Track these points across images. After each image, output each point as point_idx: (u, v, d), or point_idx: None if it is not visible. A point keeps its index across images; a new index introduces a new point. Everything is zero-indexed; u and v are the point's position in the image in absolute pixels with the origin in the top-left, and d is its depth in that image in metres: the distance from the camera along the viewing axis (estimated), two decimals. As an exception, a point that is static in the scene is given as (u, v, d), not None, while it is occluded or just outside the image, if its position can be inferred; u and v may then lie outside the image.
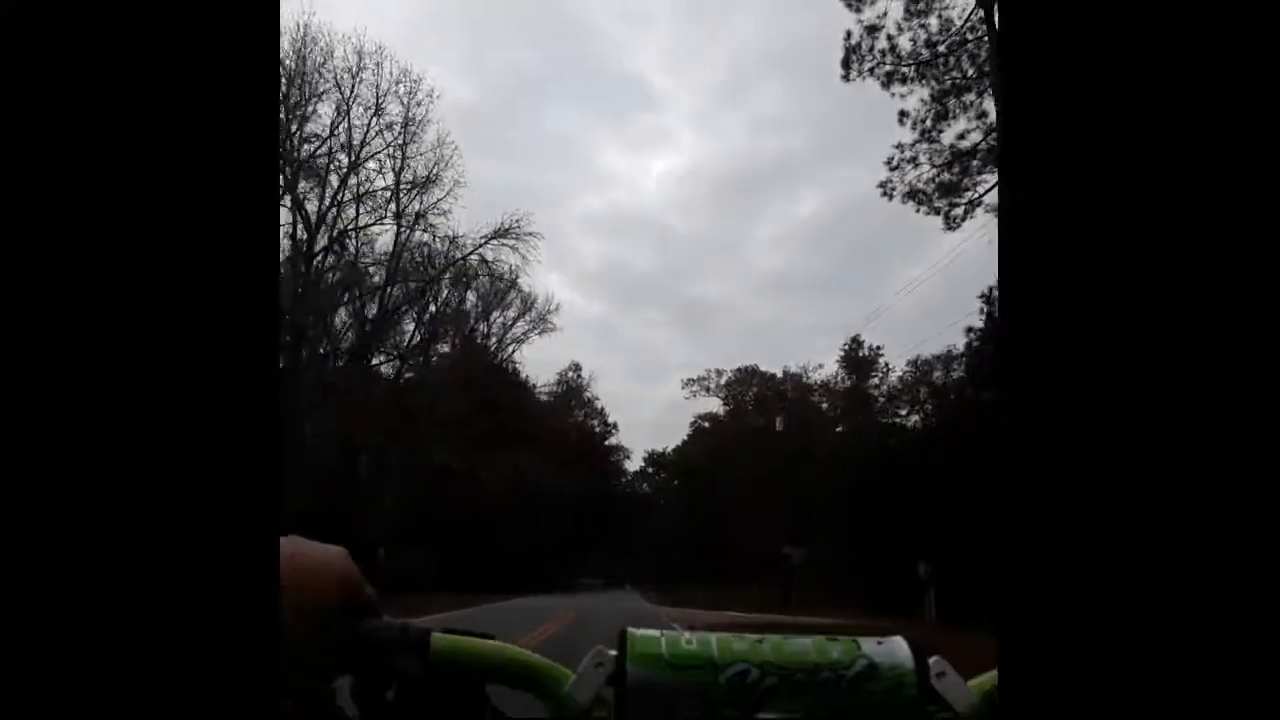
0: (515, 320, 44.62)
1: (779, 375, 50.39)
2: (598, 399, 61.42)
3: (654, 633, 0.51)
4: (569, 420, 55.69)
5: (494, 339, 44.25)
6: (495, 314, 43.68)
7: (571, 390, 56.61)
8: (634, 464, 70.10)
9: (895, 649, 0.51)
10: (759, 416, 48.28)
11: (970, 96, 19.50)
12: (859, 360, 41.40)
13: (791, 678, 0.49)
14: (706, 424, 58.06)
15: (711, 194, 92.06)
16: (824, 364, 45.90)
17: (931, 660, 0.50)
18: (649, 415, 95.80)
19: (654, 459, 70.69)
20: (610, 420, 63.37)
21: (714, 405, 57.22)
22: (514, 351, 45.88)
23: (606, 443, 63.33)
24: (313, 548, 0.49)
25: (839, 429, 39.33)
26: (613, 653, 0.50)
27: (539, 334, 45.64)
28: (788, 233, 79.78)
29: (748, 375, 52.58)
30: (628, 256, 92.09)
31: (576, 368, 57.36)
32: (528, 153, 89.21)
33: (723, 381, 54.16)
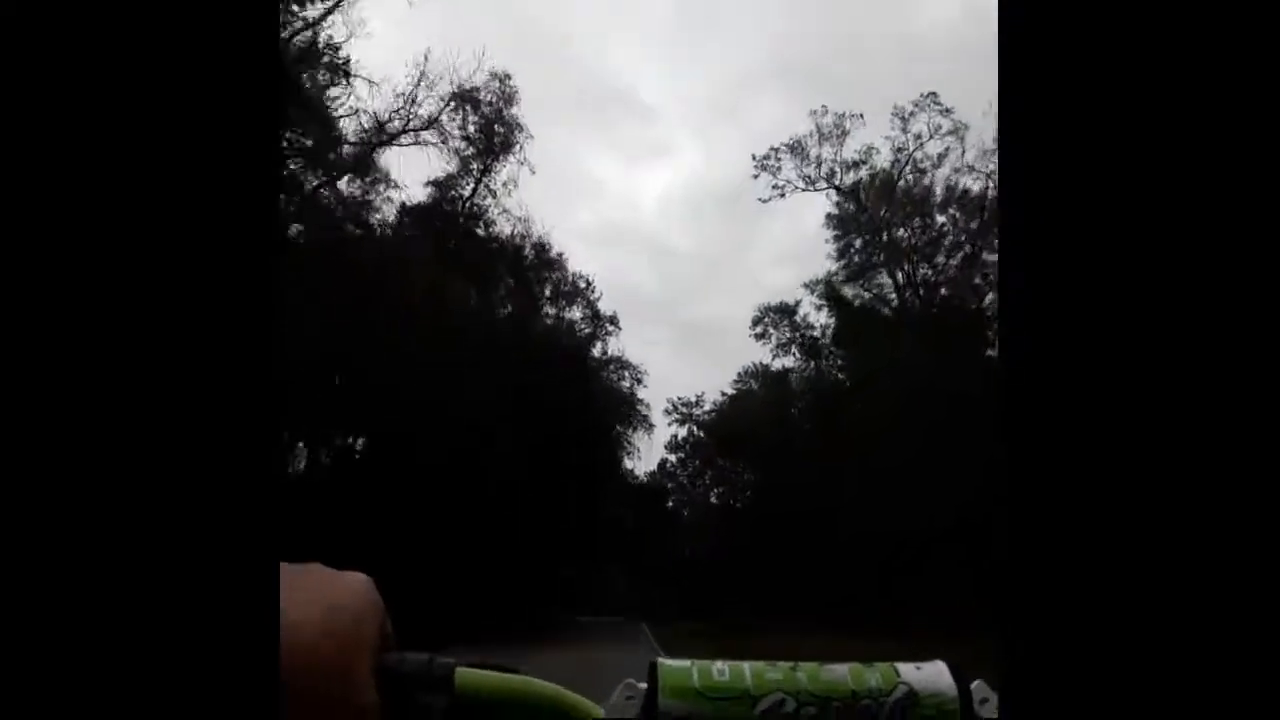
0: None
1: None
2: (563, 254, 30.35)
3: (685, 663, 0.50)
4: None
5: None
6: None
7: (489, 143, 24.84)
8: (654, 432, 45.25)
9: (936, 675, 0.49)
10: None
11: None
12: None
13: (829, 707, 0.48)
14: (782, 332, 31.09)
15: (712, 210, 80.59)
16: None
17: (974, 685, 0.49)
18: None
19: (683, 413, 42.36)
20: (600, 306, 31.98)
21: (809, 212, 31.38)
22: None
23: (594, 350, 32.63)
24: (348, 576, 0.48)
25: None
26: (643, 685, 0.50)
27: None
28: (793, 248, 67.37)
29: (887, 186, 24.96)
30: (624, 275, 79.36)
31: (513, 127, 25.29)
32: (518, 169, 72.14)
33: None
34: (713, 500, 45.67)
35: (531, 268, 28.39)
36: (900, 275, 25.15)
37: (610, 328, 32.39)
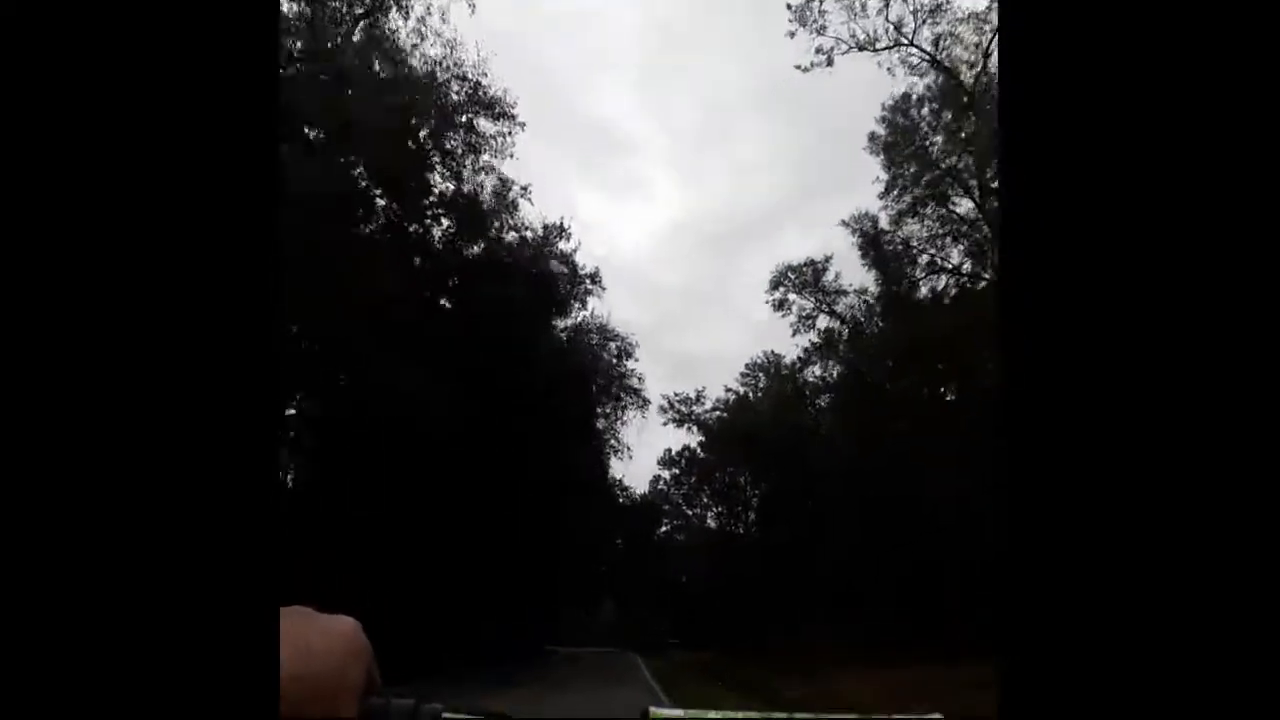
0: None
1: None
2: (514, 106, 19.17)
3: (678, 712, 0.50)
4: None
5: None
6: None
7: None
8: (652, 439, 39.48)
9: None
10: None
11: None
12: None
13: None
14: (805, 298, 24.48)
15: (696, 244, 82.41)
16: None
17: None
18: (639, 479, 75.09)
19: (680, 412, 35.77)
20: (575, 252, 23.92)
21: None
22: None
23: (572, 315, 24.91)
24: (332, 621, 0.47)
25: None
26: None
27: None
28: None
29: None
30: (610, 313, 74.78)
31: None
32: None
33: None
34: (710, 523, 41.01)
35: (468, 143, 18.79)
36: (970, 204, 19.14)
37: (591, 286, 24.50)
